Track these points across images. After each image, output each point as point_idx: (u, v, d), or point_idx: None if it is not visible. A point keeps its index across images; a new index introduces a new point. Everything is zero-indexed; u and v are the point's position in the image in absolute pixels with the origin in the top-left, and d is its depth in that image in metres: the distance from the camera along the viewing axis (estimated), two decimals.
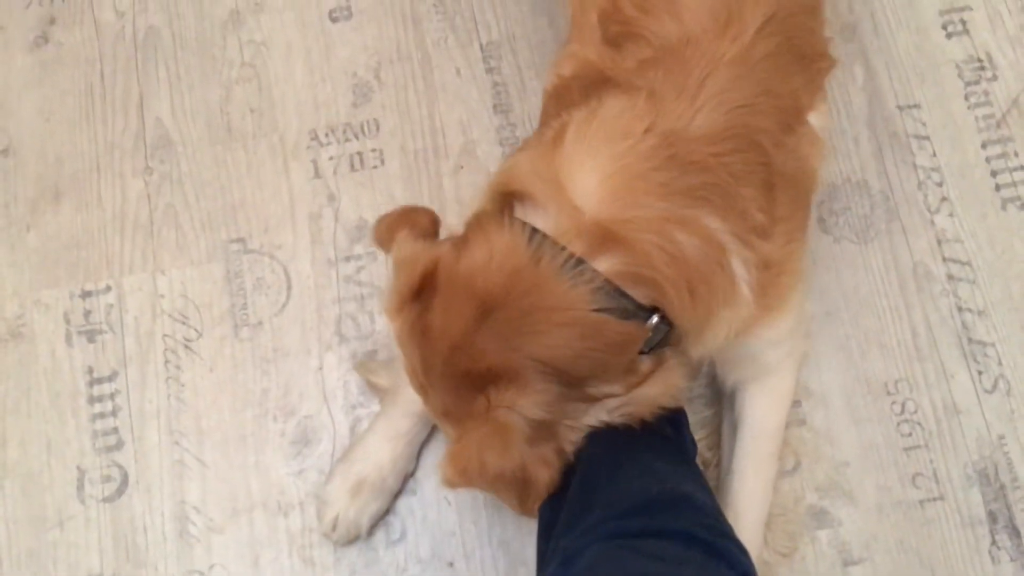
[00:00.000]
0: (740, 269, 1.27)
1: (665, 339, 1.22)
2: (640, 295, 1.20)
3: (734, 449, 1.53)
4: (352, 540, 1.56)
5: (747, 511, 1.49)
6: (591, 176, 1.21)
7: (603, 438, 1.25)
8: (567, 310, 1.13)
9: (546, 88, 1.50)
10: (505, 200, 1.22)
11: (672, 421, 1.37)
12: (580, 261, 1.14)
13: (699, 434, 1.57)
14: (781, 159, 1.33)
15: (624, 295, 1.17)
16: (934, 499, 1.60)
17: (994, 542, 1.58)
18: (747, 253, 1.27)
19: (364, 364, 1.65)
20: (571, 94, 1.37)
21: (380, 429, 1.56)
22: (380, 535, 1.58)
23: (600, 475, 1.22)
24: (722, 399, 1.58)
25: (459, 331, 1.12)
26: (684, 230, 1.23)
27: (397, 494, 1.58)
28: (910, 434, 1.64)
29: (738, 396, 1.53)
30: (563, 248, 1.13)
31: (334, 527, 1.54)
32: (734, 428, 1.54)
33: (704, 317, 1.26)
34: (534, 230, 1.13)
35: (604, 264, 1.18)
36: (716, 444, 1.60)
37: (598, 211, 1.18)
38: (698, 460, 1.58)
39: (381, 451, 1.55)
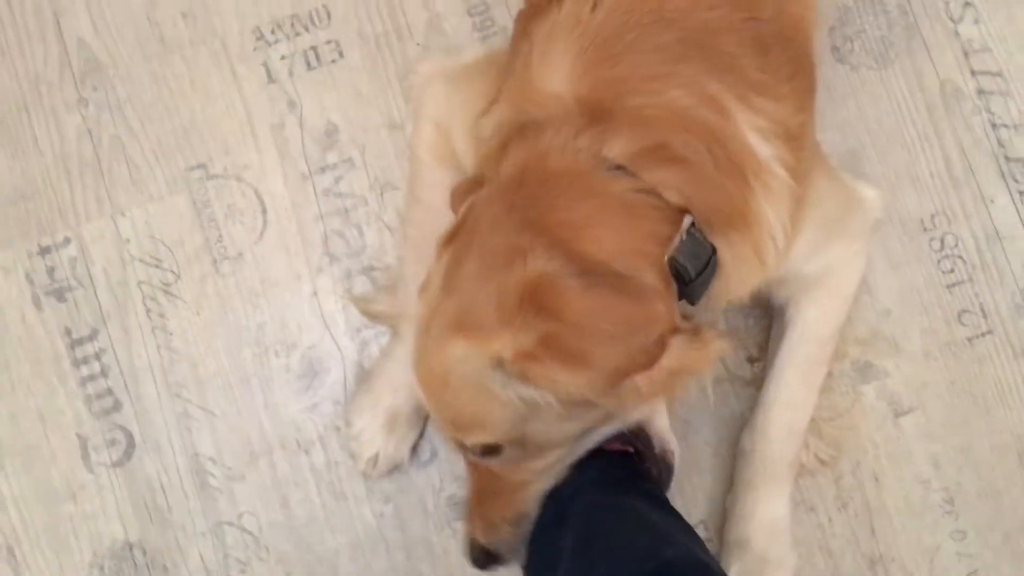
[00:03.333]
0: (758, 141, 1.14)
1: (707, 280, 1.12)
2: (668, 185, 1.08)
3: (779, 351, 1.42)
4: (393, 471, 1.49)
5: (780, 418, 1.41)
6: (560, 74, 1.16)
7: (589, 484, 1.20)
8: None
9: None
10: (503, 145, 1.16)
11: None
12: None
13: (745, 330, 1.47)
14: (770, 12, 1.19)
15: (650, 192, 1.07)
16: (983, 334, 1.52)
17: None
18: (757, 119, 1.14)
19: (359, 298, 1.53)
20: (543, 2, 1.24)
21: (400, 355, 1.43)
22: (412, 460, 1.50)
23: (598, 529, 1.16)
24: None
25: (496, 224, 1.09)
26: (676, 87, 1.11)
27: (427, 418, 1.48)
28: (952, 270, 1.53)
29: (788, 308, 1.41)
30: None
31: (375, 465, 1.46)
32: (783, 329, 1.42)
33: (743, 208, 1.14)
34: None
35: (616, 146, 1.08)
36: (765, 342, 1.49)
37: (574, 87, 1.14)
38: (743, 356, 1.50)
39: (407, 378, 1.43)
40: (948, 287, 1.53)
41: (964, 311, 1.52)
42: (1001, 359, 1.51)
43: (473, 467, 1.24)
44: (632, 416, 1.21)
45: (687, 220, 1.09)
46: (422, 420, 1.48)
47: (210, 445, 1.52)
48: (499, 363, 1.04)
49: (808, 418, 1.42)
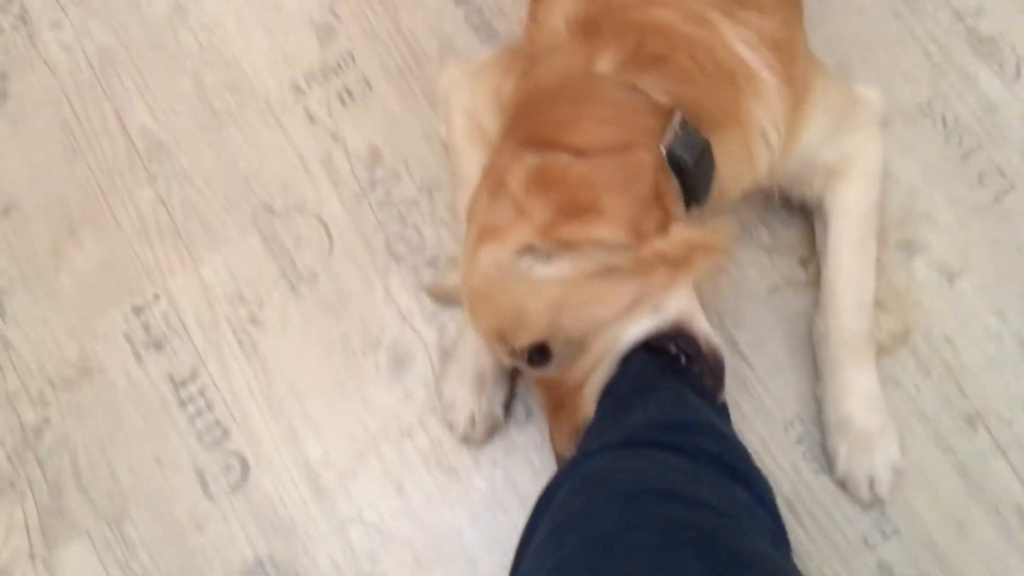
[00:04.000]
0: (745, 50, 1.28)
1: (706, 173, 1.23)
2: (654, 86, 1.22)
3: (828, 234, 1.49)
4: (493, 432, 1.54)
5: (845, 292, 1.46)
6: (560, 10, 1.31)
7: (637, 365, 1.27)
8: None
9: None
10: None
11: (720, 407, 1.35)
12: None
13: (791, 236, 1.56)
14: None
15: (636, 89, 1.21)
16: (1006, 191, 1.62)
17: None
18: (742, 30, 1.28)
19: (428, 283, 1.64)
20: None
21: None
22: (510, 423, 1.57)
23: (634, 397, 1.23)
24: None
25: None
26: (660, 6, 1.26)
27: (513, 375, 1.56)
28: (960, 143, 1.65)
29: (824, 199, 1.50)
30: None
31: (473, 426, 1.52)
32: (826, 217, 1.50)
33: (732, 109, 1.26)
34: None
35: (605, 61, 1.22)
36: (812, 243, 1.57)
37: (569, 16, 1.28)
38: (795, 259, 1.59)
39: None
40: (961, 157, 1.64)
41: (983, 174, 1.63)
42: None
43: (539, 384, 1.32)
44: (665, 308, 1.25)
45: (678, 115, 1.22)
46: (509, 377, 1.55)
47: (319, 451, 1.59)
48: (526, 249, 1.16)
49: (872, 290, 1.48)
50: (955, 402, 1.52)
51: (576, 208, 1.14)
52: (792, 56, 1.34)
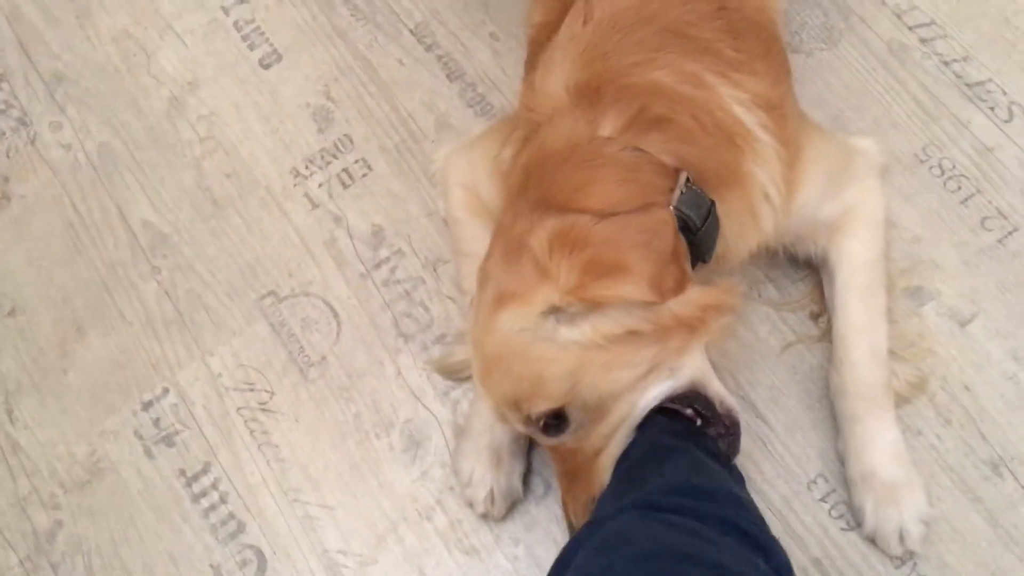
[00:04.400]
0: (742, 111, 1.30)
1: (711, 232, 1.24)
2: (659, 147, 1.23)
3: (835, 288, 1.49)
4: (513, 507, 1.52)
5: (857, 343, 1.45)
6: (558, 77, 1.34)
7: (653, 430, 1.27)
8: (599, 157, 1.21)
9: (528, 37, 1.59)
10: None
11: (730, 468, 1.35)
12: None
13: (799, 292, 1.58)
14: (737, 1, 1.39)
15: (642, 150, 1.22)
16: (1009, 233, 1.62)
17: None
18: (737, 92, 1.31)
19: (436, 360, 1.63)
20: (542, 41, 1.45)
21: None
22: (528, 497, 1.54)
23: (650, 461, 1.22)
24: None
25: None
26: (657, 69, 1.29)
27: (529, 449, 1.54)
28: (959, 188, 1.66)
29: (828, 253, 1.50)
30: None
31: (492, 502, 1.50)
32: (832, 271, 1.50)
33: (734, 169, 1.28)
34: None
35: (607, 125, 1.24)
36: (821, 297, 1.58)
37: (569, 82, 1.30)
38: (806, 315, 1.59)
39: None
40: (962, 202, 1.65)
41: (985, 218, 1.63)
42: None
43: (554, 453, 1.31)
44: (680, 370, 1.26)
45: (683, 175, 1.24)
46: (525, 450, 1.53)
47: (337, 538, 1.56)
48: (550, 310, 1.16)
49: (884, 340, 1.47)
50: (978, 449, 1.50)
51: (603, 267, 1.14)
52: (784, 115, 1.36)
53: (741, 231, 1.33)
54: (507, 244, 1.23)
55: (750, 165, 1.30)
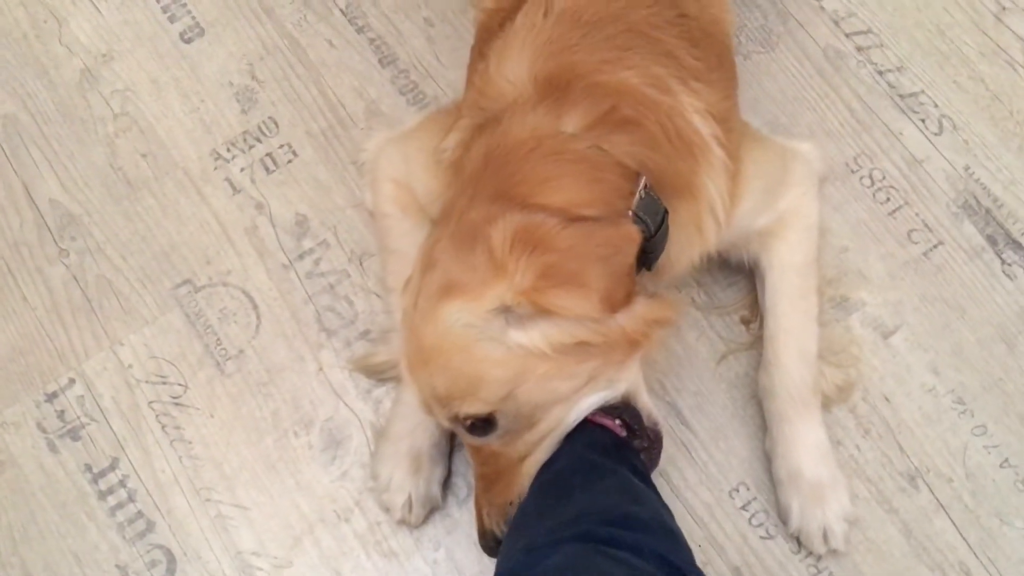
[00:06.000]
0: (699, 121, 1.29)
1: (662, 240, 1.22)
2: (623, 149, 1.21)
3: (765, 291, 1.50)
4: (431, 514, 1.49)
5: (787, 344, 1.46)
6: (519, 65, 1.28)
7: (580, 442, 1.25)
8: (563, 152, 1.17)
9: (477, 22, 1.53)
10: (466, 148, 1.29)
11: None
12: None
13: (729, 297, 1.56)
14: (695, 10, 1.38)
15: (604, 151, 1.19)
16: (935, 246, 1.64)
17: (1003, 261, 1.62)
18: (695, 101, 1.29)
19: (359, 358, 1.58)
20: (493, 28, 1.40)
21: (409, 399, 1.48)
22: (449, 499, 1.52)
23: (577, 477, 1.20)
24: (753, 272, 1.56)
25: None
26: (626, 68, 1.26)
27: (450, 453, 1.51)
28: (888, 199, 1.67)
29: (760, 258, 1.50)
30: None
31: (410, 509, 1.46)
32: (763, 275, 1.50)
33: (689, 179, 1.26)
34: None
35: (572, 121, 1.21)
36: (752, 303, 1.58)
37: (532, 73, 1.25)
38: (737, 319, 1.59)
39: (421, 418, 1.47)
40: (890, 214, 1.66)
41: (911, 230, 1.65)
42: (958, 263, 1.63)
43: (475, 452, 1.28)
44: (617, 383, 1.25)
45: (643, 180, 1.21)
46: (446, 455, 1.50)
47: (251, 540, 1.51)
48: (501, 310, 1.12)
49: (814, 342, 1.48)
50: (896, 461, 1.52)
51: (561, 276, 1.10)
52: (731, 128, 1.35)
53: (686, 242, 1.31)
54: (460, 231, 1.17)
55: (703, 177, 1.29)
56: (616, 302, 1.12)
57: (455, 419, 1.20)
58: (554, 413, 1.22)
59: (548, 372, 1.16)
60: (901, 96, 1.73)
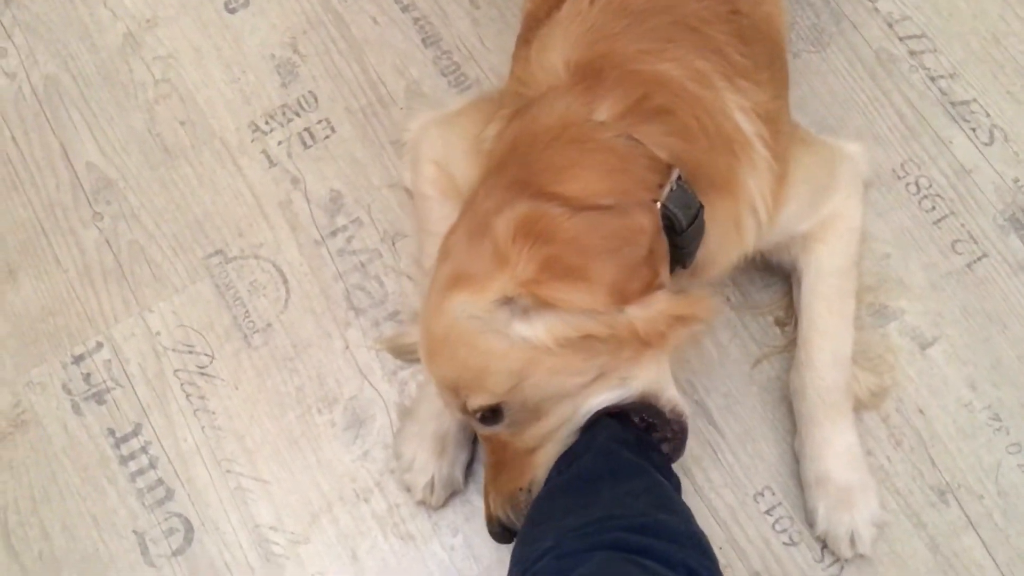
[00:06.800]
0: (743, 119, 1.26)
1: (696, 235, 1.19)
2: (655, 140, 1.18)
3: (802, 292, 1.47)
4: (452, 497, 1.48)
5: (821, 346, 1.44)
6: (557, 52, 1.27)
7: (603, 435, 1.22)
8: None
9: (524, 10, 1.50)
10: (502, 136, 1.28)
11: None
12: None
13: (766, 298, 1.54)
14: (748, 7, 1.34)
15: (636, 140, 1.16)
16: (979, 258, 1.60)
17: None
18: (741, 100, 1.26)
19: (388, 338, 1.57)
20: (540, 16, 1.38)
21: None
22: (470, 486, 1.50)
23: (606, 477, 1.17)
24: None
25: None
26: (667, 60, 1.23)
27: (475, 438, 1.50)
28: (933, 208, 1.64)
29: (798, 259, 1.48)
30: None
31: (431, 491, 1.45)
32: (801, 276, 1.47)
33: (728, 176, 1.23)
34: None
35: (603, 109, 1.19)
36: (788, 305, 1.55)
37: (570, 58, 1.23)
38: (771, 321, 1.56)
39: None
40: (935, 223, 1.63)
41: (956, 241, 1.61)
42: (1001, 276, 1.59)
43: (486, 440, 1.27)
44: (631, 380, 1.21)
45: (676, 172, 1.18)
46: (471, 440, 1.49)
47: (269, 514, 1.50)
48: (503, 301, 1.10)
49: (849, 346, 1.45)
50: (926, 474, 1.49)
51: (562, 269, 1.08)
52: (779, 130, 1.32)
53: (724, 240, 1.28)
54: (473, 221, 1.16)
55: (744, 175, 1.26)
56: (628, 294, 1.09)
57: (464, 409, 1.19)
58: (563, 407, 1.20)
59: (554, 367, 1.14)
60: (952, 104, 1.69)
